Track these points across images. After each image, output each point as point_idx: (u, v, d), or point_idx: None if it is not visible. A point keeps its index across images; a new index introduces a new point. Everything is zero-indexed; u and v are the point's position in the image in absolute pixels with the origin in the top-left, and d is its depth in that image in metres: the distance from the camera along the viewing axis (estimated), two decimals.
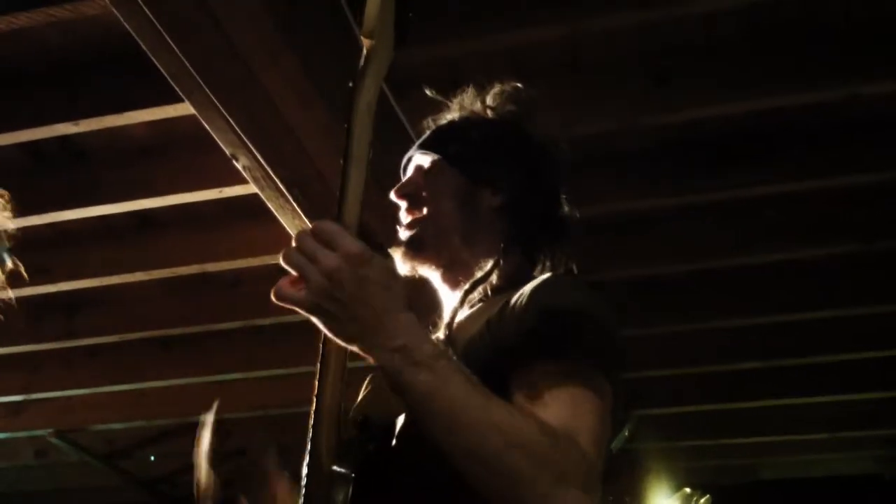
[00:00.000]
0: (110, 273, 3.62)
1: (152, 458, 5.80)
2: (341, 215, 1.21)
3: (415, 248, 1.63)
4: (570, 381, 1.28)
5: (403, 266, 1.64)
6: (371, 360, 1.20)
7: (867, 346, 4.44)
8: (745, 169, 3.26)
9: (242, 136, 2.19)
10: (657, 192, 3.38)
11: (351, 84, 1.21)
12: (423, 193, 1.68)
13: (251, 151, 2.25)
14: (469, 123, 1.73)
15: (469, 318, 1.53)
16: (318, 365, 1.25)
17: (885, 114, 3.07)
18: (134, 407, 4.76)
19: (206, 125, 2.24)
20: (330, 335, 1.21)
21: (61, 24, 2.53)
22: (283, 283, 1.19)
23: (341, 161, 1.19)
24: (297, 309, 1.19)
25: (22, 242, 3.48)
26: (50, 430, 5.05)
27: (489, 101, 1.76)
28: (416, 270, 1.67)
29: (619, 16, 2.64)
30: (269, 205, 2.51)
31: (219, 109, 2.14)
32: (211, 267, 3.46)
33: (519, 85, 1.77)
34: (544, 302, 1.36)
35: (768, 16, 2.74)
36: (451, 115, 1.77)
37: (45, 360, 4.44)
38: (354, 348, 1.22)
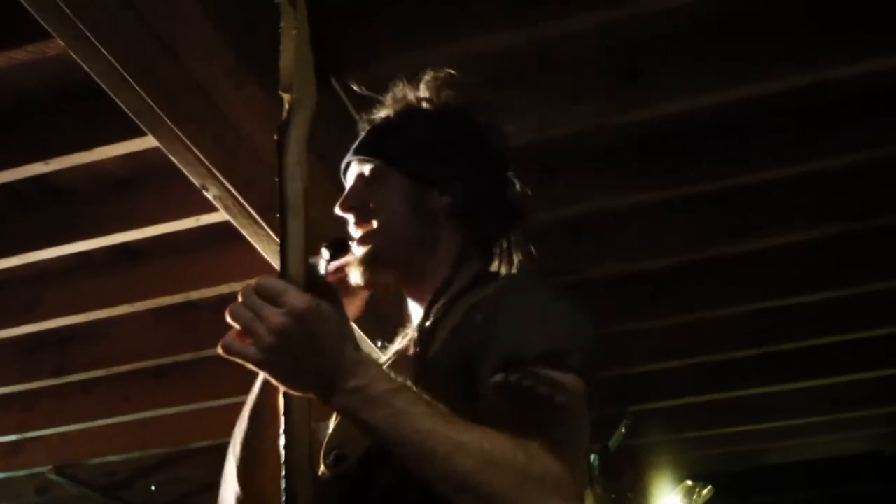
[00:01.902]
0: (96, 307, 3.61)
1: (153, 487, 5.79)
2: (285, 268, 1.19)
3: (372, 265, 1.57)
4: (540, 388, 1.25)
5: (362, 283, 1.58)
6: (327, 405, 1.19)
7: (857, 327, 4.44)
8: (721, 159, 3.27)
9: (210, 166, 2.18)
10: (635, 188, 3.38)
11: (276, 138, 1.19)
12: (370, 204, 1.60)
13: (220, 181, 2.25)
14: (405, 118, 1.65)
15: (436, 328, 1.48)
16: (283, 417, 1.23)
17: (853, 97, 3.08)
18: (131, 438, 4.75)
19: (173, 158, 2.23)
20: (283, 387, 1.20)
21: (25, 66, 2.52)
22: (230, 336, 1.18)
23: (277, 215, 1.18)
24: (245, 364, 1.18)
25: (8, 281, 3.52)
26: (49, 467, 5.03)
27: (423, 91, 1.67)
28: (378, 286, 1.62)
29: (584, 15, 2.62)
30: (243, 232, 2.51)
31: (185, 143, 2.13)
32: (195, 294, 3.46)
33: (452, 71, 1.69)
34: (507, 310, 1.34)
35: (732, 7, 2.74)
36: (386, 111, 1.68)
37: (39, 398, 4.43)
38: (310, 396, 1.20)
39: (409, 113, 1.66)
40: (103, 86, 2.03)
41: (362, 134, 1.69)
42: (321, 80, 1.25)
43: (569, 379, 1.28)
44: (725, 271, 4.00)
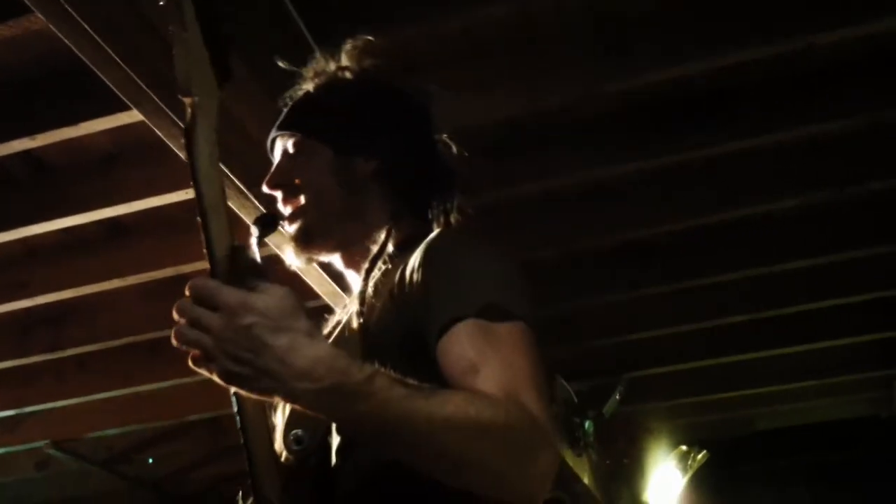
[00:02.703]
0: (88, 283, 3.62)
1: (151, 460, 5.83)
2: (214, 269, 1.18)
3: (305, 240, 1.58)
4: (490, 338, 1.25)
5: (298, 260, 1.58)
6: (301, 408, 1.14)
7: (848, 291, 4.46)
8: (710, 128, 3.27)
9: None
10: (623, 158, 3.38)
11: (185, 141, 1.18)
12: (296, 180, 1.60)
13: None
14: (325, 90, 1.65)
15: (375, 294, 1.46)
16: (238, 419, 1.22)
17: (841, 62, 3.08)
18: (128, 412, 4.77)
19: (158, 132, 2.23)
20: (251, 395, 1.16)
21: (7, 42, 2.52)
22: (193, 356, 1.14)
23: (198, 218, 1.17)
24: (216, 381, 1.15)
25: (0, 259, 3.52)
26: (47, 442, 5.06)
27: (343, 60, 1.67)
28: (314, 260, 1.62)
29: None
30: (230, 203, 2.51)
31: (169, 116, 2.13)
32: (186, 268, 3.46)
33: (370, 38, 1.68)
34: (441, 269, 1.33)
35: None
36: (306, 85, 1.67)
37: (35, 374, 4.44)
38: (278, 400, 1.16)
39: (328, 84, 1.65)
40: (86, 61, 2.03)
41: (285, 110, 1.68)
42: (223, 72, 1.22)
43: (515, 326, 1.28)
44: (716, 239, 4.01)
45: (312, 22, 2.48)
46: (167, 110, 2.14)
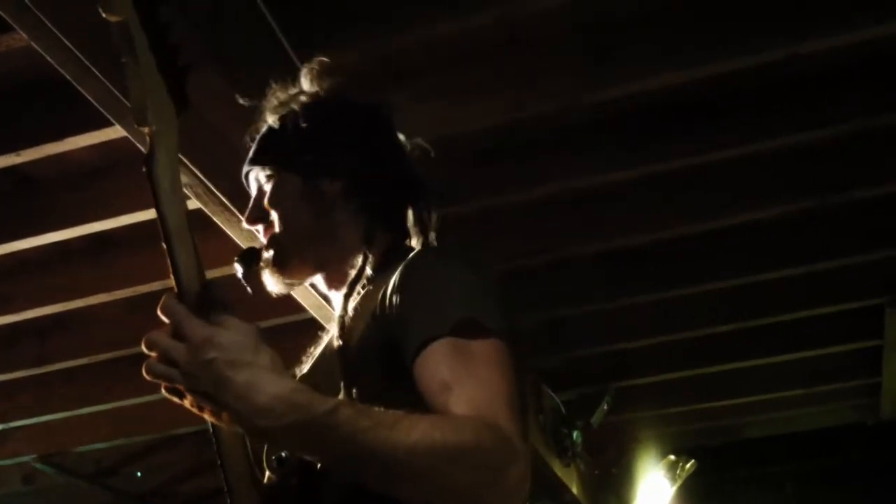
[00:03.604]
0: (73, 297, 3.61)
1: (139, 474, 5.81)
2: (181, 292, 1.21)
3: (280, 266, 1.60)
4: (463, 356, 1.27)
5: (277, 286, 1.61)
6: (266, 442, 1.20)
7: (835, 299, 4.48)
8: (697, 135, 3.28)
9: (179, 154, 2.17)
10: (611, 165, 3.39)
11: (145, 170, 1.20)
12: (270, 211, 1.63)
13: (189, 168, 2.24)
14: (285, 119, 1.67)
15: (355, 317, 1.49)
16: (213, 440, 1.25)
17: (825, 70, 3.09)
18: (115, 426, 4.76)
19: (141, 147, 2.22)
20: (223, 425, 1.20)
21: None
22: (165, 387, 1.19)
23: (163, 244, 1.21)
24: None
25: None
26: (34, 456, 5.04)
27: (302, 84, 1.70)
28: (293, 286, 1.65)
29: None
30: (215, 218, 2.51)
31: None
32: (172, 282, 3.45)
33: (324, 59, 1.71)
34: (417, 288, 1.35)
35: None
36: (268, 116, 1.70)
37: (21, 388, 4.43)
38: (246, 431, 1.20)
39: (288, 113, 1.68)
40: (67, 76, 2.03)
41: (252, 145, 1.71)
42: (180, 100, 1.23)
43: (488, 341, 1.30)
44: (704, 247, 4.01)
45: (295, 36, 2.48)
46: None
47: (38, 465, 5.19)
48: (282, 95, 1.69)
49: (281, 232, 1.61)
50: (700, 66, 2.91)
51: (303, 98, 1.67)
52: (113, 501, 6.16)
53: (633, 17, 2.82)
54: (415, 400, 1.24)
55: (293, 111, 1.67)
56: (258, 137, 1.70)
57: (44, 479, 5.61)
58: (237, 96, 2.01)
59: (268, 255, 1.61)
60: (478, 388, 1.23)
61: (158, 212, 1.21)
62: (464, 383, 1.24)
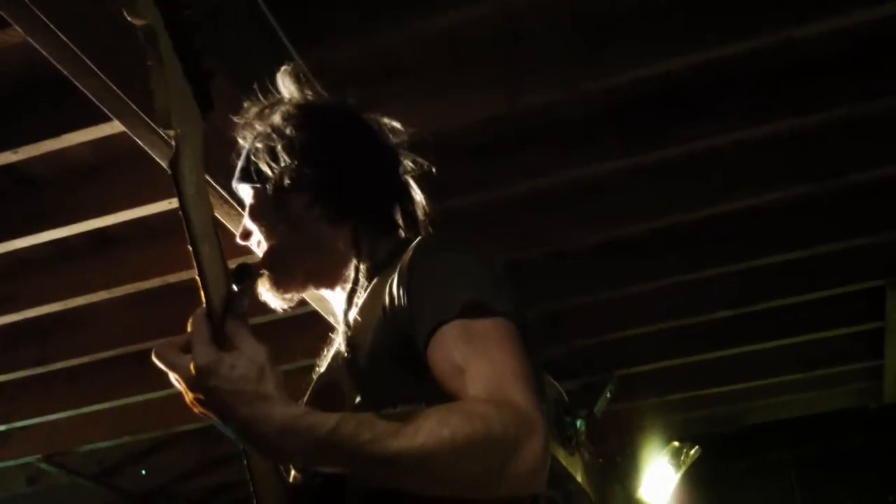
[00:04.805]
0: (75, 295, 3.61)
1: (143, 472, 5.81)
2: (209, 297, 1.21)
3: (275, 283, 1.64)
4: (473, 337, 1.28)
5: (276, 301, 1.65)
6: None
7: (835, 283, 4.49)
8: (692, 123, 3.29)
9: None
10: (608, 155, 3.39)
11: (171, 173, 1.20)
12: (256, 227, 1.67)
13: None
14: (255, 137, 1.69)
15: (363, 313, 1.51)
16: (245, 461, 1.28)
17: (820, 55, 3.10)
18: (118, 424, 4.75)
19: (139, 142, 2.23)
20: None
21: None
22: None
23: (189, 247, 1.20)
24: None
25: None
26: (38, 457, 5.04)
27: (282, 91, 1.72)
28: (292, 300, 1.68)
29: None
30: (216, 212, 2.50)
31: (149, 125, 2.13)
32: (173, 278, 3.46)
33: (286, 66, 1.74)
34: (421, 278, 1.36)
35: None
36: (245, 134, 1.72)
37: (24, 388, 4.42)
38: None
39: (259, 131, 1.69)
40: (65, 72, 2.03)
41: (238, 162, 1.75)
42: (205, 103, 1.24)
43: (497, 321, 1.31)
44: (703, 234, 4.02)
45: (294, 33, 2.49)
46: (146, 119, 2.14)
47: (43, 466, 5.20)
48: (255, 111, 1.71)
49: (269, 249, 1.65)
50: (692, 55, 2.92)
51: (275, 113, 1.68)
52: (118, 501, 6.17)
53: (625, 6, 2.83)
54: (433, 391, 1.25)
55: (267, 126, 1.68)
56: (243, 154, 1.73)
57: (48, 480, 5.61)
58: (234, 91, 2.02)
59: (262, 274, 1.63)
60: (489, 367, 1.24)
61: (184, 215, 1.20)
62: (476, 364, 1.25)
